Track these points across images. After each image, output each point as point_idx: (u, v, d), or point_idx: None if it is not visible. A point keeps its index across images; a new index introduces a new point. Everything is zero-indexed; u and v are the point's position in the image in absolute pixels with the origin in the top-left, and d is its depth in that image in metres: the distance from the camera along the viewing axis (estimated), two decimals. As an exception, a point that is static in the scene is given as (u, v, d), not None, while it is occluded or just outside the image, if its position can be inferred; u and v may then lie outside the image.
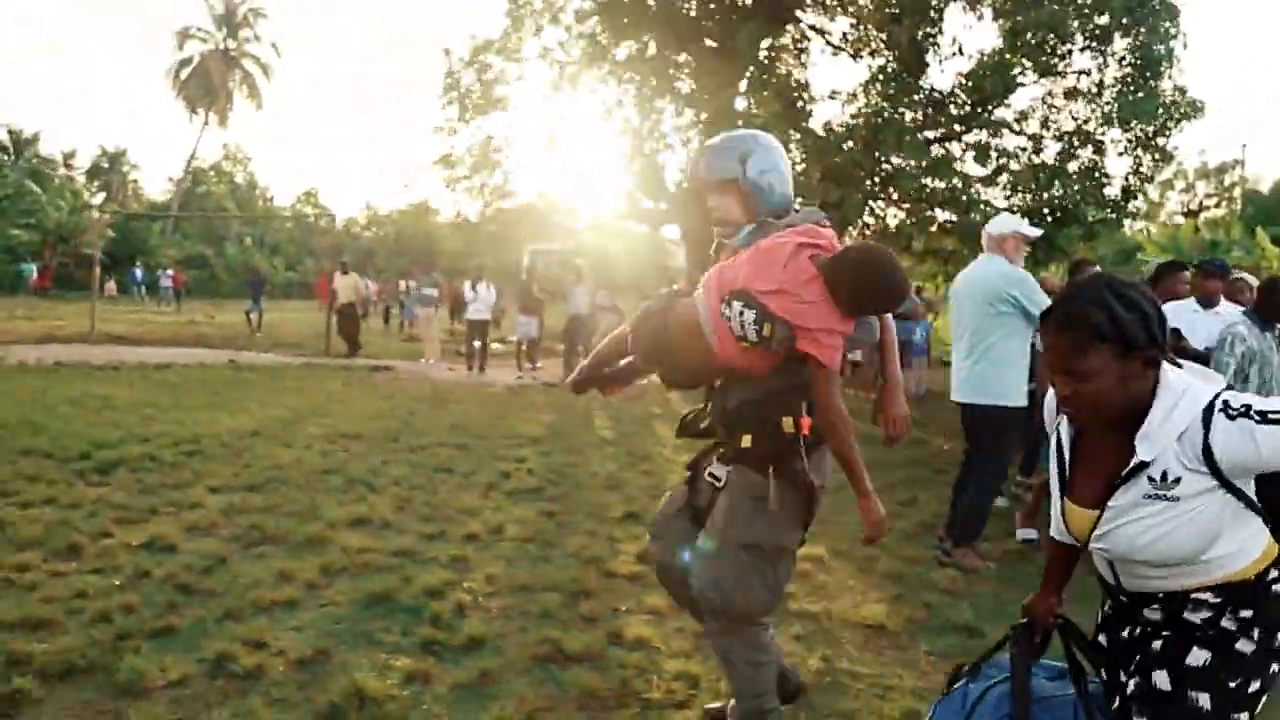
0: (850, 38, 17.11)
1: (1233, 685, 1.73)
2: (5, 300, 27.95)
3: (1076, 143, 15.73)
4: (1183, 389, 1.73)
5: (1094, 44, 15.17)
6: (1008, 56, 15.61)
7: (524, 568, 4.50)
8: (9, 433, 7.24)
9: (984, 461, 4.95)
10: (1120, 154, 15.39)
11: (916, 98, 15.94)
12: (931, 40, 16.49)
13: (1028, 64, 15.58)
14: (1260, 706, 1.76)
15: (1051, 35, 14.87)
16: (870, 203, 16.41)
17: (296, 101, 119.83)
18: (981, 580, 4.73)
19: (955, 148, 16.82)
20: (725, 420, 2.66)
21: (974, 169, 16.81)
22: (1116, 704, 1.86)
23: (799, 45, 17.60)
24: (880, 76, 16.96)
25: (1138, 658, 1.85)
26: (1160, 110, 14.23)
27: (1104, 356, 1.70)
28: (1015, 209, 16.08)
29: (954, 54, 16.36)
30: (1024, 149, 16.27)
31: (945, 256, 17.84)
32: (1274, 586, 1.78)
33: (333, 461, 6.82)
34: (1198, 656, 1.75)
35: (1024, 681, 1.92)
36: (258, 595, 3.95)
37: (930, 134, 16.54)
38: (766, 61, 16.19)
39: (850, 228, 16.10)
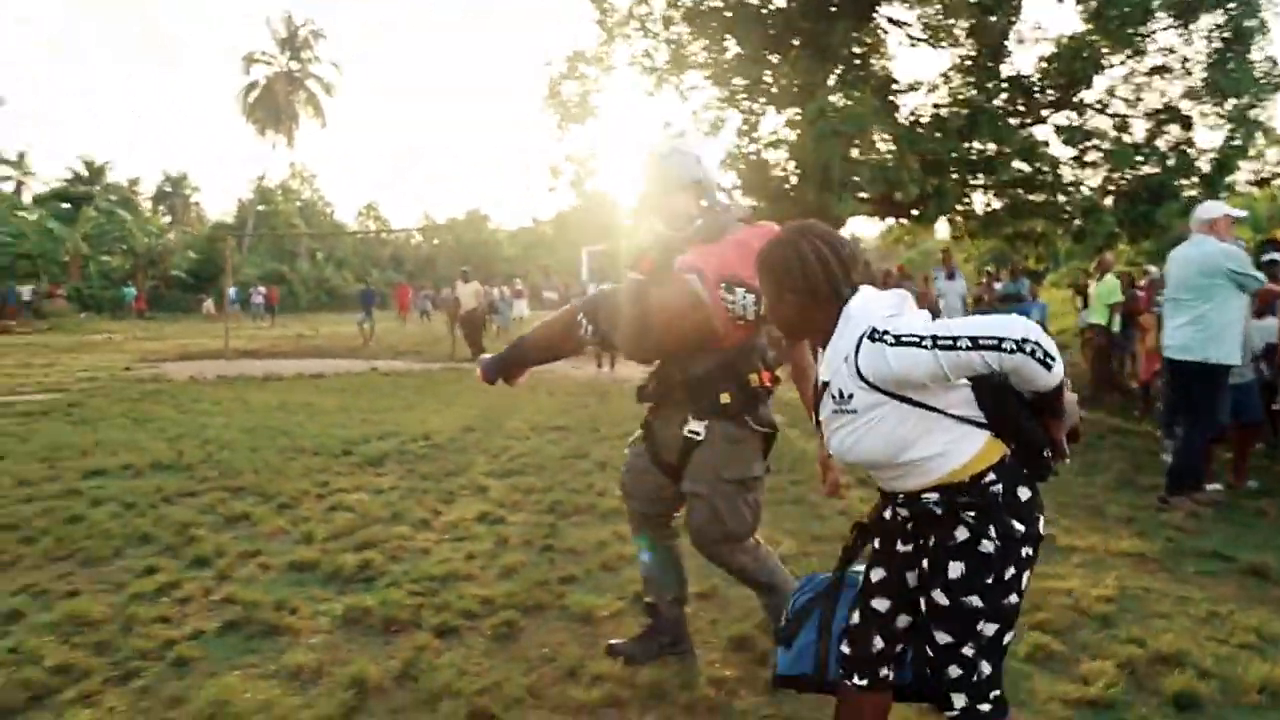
0: (932, 27, 17.59)
1: (990, 582, 1.98)
2: (114, 323, 29.40)
3: (1164, 119, 16.13)
4: (853, 318, 2.02)
5: (1179, 20, 15.54)
6: (1091, 38, 16.04)
7: (804, 525, 5.26)
8: (263, 435, 8.13)
9: (1195, 414, 5.60)
10: (1210, 128, 15.76)
11: (1003, 84, 16.44)
12: (1012, 25, 16.96)
13: (1111, 44, 15.99)
14: (1026, 580, 2.03)
15: (1135, 14, 15.26)
16: (962, 190, 16.93)
17: (351, 116, 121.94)
18: (1208, 519, 5.40)
19: (1040, 130, 17.28)
20: (697, 384, 3.07)
21: (1060, 150, 17.26)
22: (915, 616, 2.14)
23: (879, 39, 18.14)
24: (965, 65, 17.50)
25: (918, 577, 2.11)
26: (1253, 83, 14.59)
27: (789, 292, 2.09)
28: (1109, 188, 16.54)
29: (1037, 40, 16.85)
30: (1113, 129, 16.68)
31: (1035, 238, 18.31)
32: (991, 488, 1.97)
33: (567, 449, 7.63)
34: (955, 569, 1.99)
35: (843, 566, 2.29)
36: (615, 552, 4.72)
37: (1013, 120, 17.01)
38: (857, 57, 16.79)
39: (944, 215, 16.65)
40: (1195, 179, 15.73)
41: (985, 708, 2.03)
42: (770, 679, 2.37)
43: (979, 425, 1.99)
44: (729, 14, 17.45)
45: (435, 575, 4.36)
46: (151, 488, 6.12)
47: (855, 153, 15.16)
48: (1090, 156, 16.92)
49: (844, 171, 14.64)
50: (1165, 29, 16.02)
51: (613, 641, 3.49)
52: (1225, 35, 14.98)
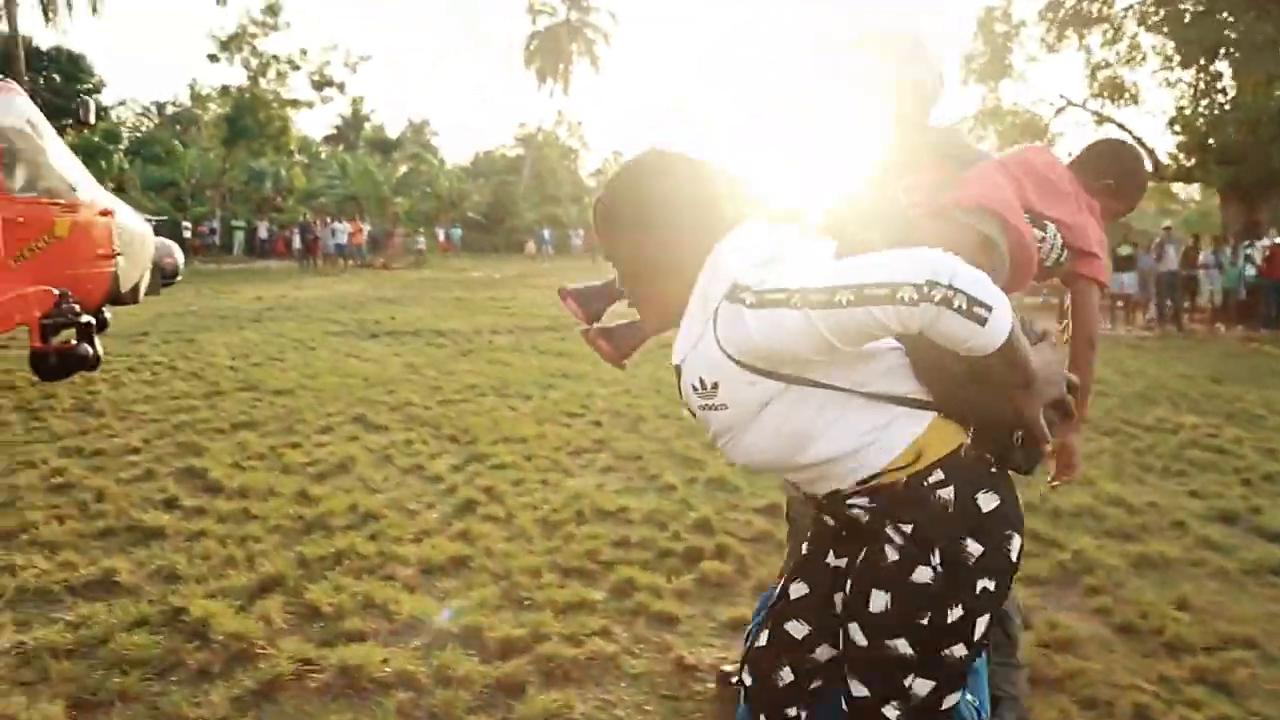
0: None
1: (924, 622, 1.41)
2: (460, 260, 32.09)
3: None
4: (718, 267, 1.42)
5: None
6: None
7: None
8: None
9: None
10: None
11: None
12: None
13: None
14: (985, 628, 1.45)
15: None
16: None
17: (614, 61, 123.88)
18: None
19: None
20: None
21: None
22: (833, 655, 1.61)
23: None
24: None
25: (843, 601, 1.55)
26: None
27: (643, 231, 1.48)
28: None
29: None
30: None
31: None
32: (937, 492, 1.39)
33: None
34: (878, 601, 1.43)
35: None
36: None
37: None
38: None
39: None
40: None
41: None
42: None
43: (915, 404, 1.42)
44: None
45: None
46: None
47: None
48: None
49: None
50: None
51: None
52: None
